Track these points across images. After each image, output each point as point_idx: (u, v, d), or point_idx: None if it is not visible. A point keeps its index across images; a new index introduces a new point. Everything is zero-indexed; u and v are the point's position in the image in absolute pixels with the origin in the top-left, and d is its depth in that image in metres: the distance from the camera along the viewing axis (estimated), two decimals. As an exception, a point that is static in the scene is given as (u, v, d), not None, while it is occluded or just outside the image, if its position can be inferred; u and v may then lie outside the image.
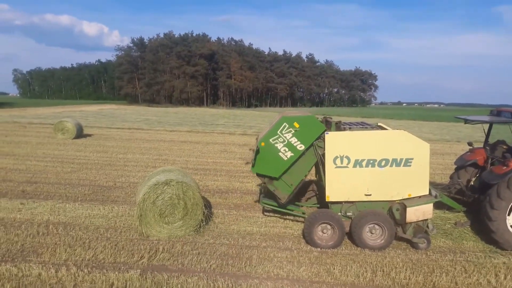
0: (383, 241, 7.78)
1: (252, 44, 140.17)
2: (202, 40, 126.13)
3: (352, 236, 7.92)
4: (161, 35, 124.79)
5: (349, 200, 7.96)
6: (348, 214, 8.03)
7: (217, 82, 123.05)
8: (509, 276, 6.69)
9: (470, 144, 10.26)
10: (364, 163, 7.66)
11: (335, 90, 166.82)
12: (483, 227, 8.16)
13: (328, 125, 8.24)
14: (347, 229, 7.97)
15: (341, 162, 7.68)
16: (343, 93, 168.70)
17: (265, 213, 9.93)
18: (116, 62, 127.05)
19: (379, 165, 7.66)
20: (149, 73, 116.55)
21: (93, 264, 6.74)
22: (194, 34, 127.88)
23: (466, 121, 9.31)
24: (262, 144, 7.83)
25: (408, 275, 6.65)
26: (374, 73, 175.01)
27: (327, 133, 7.72)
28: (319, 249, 7.72)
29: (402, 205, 7.74)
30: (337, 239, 7.80)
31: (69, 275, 6.25)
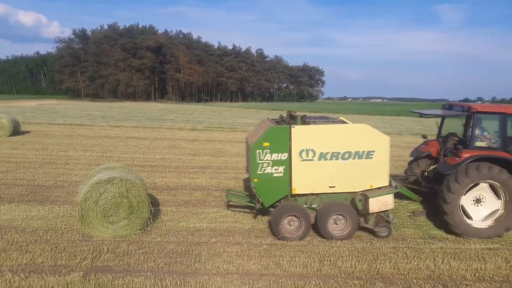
0: (347, 231, 8.03)
1: (201, 38, 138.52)
2: (148, 32, 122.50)
3: (318, 227, 8.09)
4: (105, 27, 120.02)
5: (314, 192, 8.13)
6: (313, 206, 8.21)
7: (165, 75, 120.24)
8: (446, 260, 7.13)
9: (424, 137, 10.82)
10: (328, 156, 7.87)
11: (284, 85, 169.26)
12: (438, 210, 8.63)
13: (294, 119, 8.36)
14: (313, 220, 8.15)
15: (307, 155, 7.85)
16: (292, 88, 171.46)
17: (230, 208, 9.91)
18: (56, 54, 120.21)
19: (343, 157, 7.91)
20: (92, 66, 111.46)
21: (31, 269, 6.34)
22: (140, 26, 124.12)
23: (422, 115, 9.83)
24: (255, 180, 7.91)
25: (353, 263, 6.89)
26: (321, 69, 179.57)
27: (293, 127, 7.81)
28: (268, 241, 7.79)
29: (365, 196, 7.99)
30: (303, 231, 7.94)
31: (3, 282, 5.83)
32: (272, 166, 7.84)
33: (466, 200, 8.40)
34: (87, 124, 32.38)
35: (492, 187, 8.34)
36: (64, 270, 6.33)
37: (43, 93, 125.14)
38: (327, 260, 6.98)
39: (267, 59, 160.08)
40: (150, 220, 8.16)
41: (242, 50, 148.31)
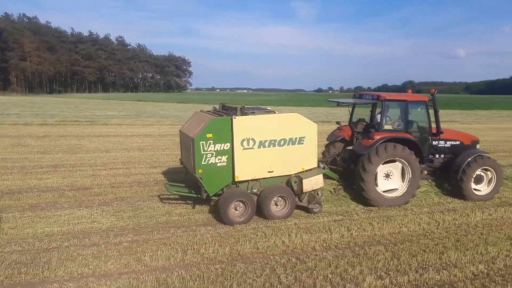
0: (287, 210, 8.77)
1: (50, 22, 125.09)
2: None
3: (261, 210, 8.63)
4: None
5: (255, 178, 8.70)
6: (254, 190, 8.79)
7: (7, 64, 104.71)
8: (299, 234, 7.82)
9: (338, 123, 12.03)
10: (267, 144, 8.53)
11: (150, 75, 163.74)
12: (356, 187, 9.71)
13: (233, 110, 8.71)
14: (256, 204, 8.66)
15: (248, 144, 8.38)
16: (158, 79, 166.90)
17: (164, 201, 9.78)
18: None
19: (279, 144, 8.64)
20: None
21: None
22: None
23: (338, 104, 11.04)
24: (200, 171, 8.17)
25: (216, 248, 7.06)
26: (188, 59, 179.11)
27: (235, 118, 8.19)
28: (129, 239, 7.46)
29: (299, 177, 8.82)
30: (249, 214, 8.45)
31: None
32: (216, 156, 8.23)
33: (379, 176, 9.68)
34: None
35: (397, 162, 9.74)
36: None
37: None
38: (191, 249, 7.01)
39: (129, 47, 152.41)
40: (-15, 231, 7.03)
41: (100, 38, 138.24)
